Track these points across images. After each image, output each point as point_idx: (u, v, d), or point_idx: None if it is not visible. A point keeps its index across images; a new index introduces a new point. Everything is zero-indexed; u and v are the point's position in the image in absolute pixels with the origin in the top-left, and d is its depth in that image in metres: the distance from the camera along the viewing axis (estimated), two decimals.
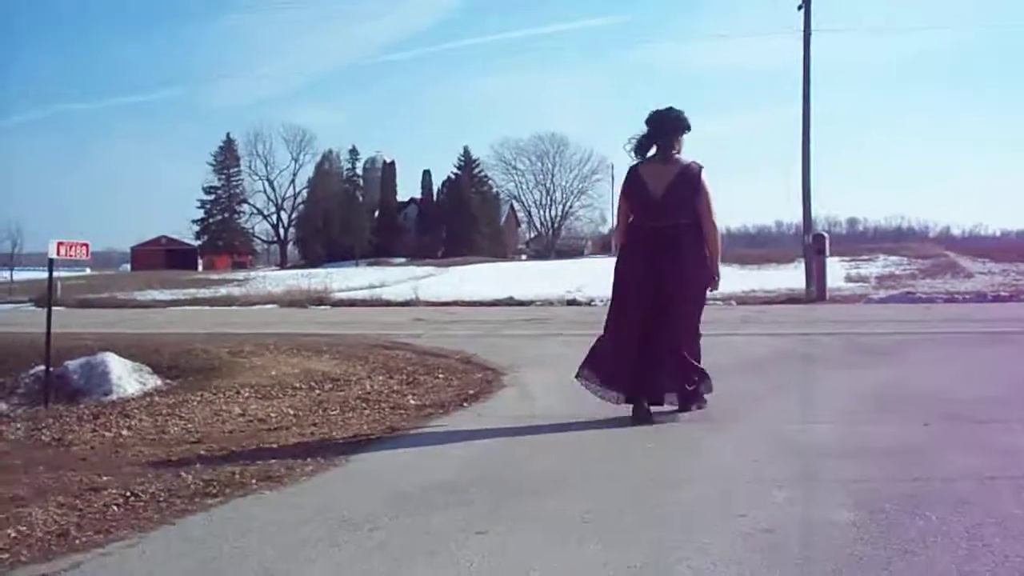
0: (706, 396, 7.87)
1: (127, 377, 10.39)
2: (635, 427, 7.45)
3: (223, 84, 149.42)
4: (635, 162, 7.84)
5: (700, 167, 7.69)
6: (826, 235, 24.74)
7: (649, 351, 7.58)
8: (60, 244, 10.00)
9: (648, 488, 5.56)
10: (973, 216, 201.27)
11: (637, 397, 7.66)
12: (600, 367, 7.84)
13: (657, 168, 7.66)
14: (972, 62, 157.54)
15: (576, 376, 7.97)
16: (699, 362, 7.83)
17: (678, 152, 7.74)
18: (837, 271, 32.05)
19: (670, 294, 7.56)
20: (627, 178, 7.90)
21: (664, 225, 7.56)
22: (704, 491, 5.45)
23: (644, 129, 7.79)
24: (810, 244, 23.76)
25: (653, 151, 7.77)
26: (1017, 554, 4.17)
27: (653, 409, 7.72)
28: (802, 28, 26.40)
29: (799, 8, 26.37)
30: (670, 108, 7.82)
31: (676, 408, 7.78)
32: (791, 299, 22.71)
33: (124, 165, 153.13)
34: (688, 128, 7.85)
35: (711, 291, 7.98)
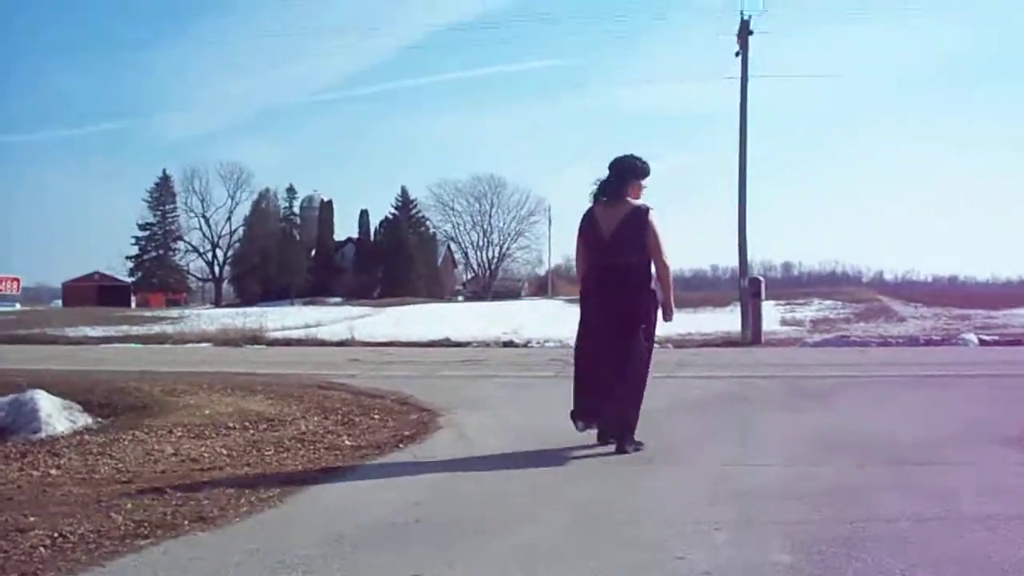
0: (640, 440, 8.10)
1: (57, 415, 10.19)
2: (571, 468, 7.47)
3: (160, 119, 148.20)
4: (591, 204, 8.21)
5: (648, 208, 8.02)
6: (762, 279, 24.91)
7: (600, 383, 7.96)
8: None
9: (585, 529, 5.53)
10: (905, 261, 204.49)
11: (599, 424, 8.14)
12: (578, 406, 8.24)
13: (609, 209, 8.05)
14: (905, 104, 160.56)
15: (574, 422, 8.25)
16: (640, 403, 8.09)
17: (635, 197, 8.10)
18: (772, 315, 32.38)
19: (619, 329, 7.91)
20: (583, 219, 8.26)
21: (616, 263, 7.96)
22: (642, 532, 5.43)
23: (606, 174, 8.18)
24: (746, 288, 23.93)
25: (606, 196, 8.15)
26: None
27: (592, 450, 7.90)
28: (739, 75, 26.72)
29: (736, 55, 26.70)
30: (629, 155, 8.25)
31: (613, 450, 7.96)
32: (727, 342, 22.83)
33: (57, 199, 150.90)
34: (642, 174, 8.23)
35: (666, 322, 8.24)
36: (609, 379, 7.94)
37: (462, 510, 6.15)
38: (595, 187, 8.25)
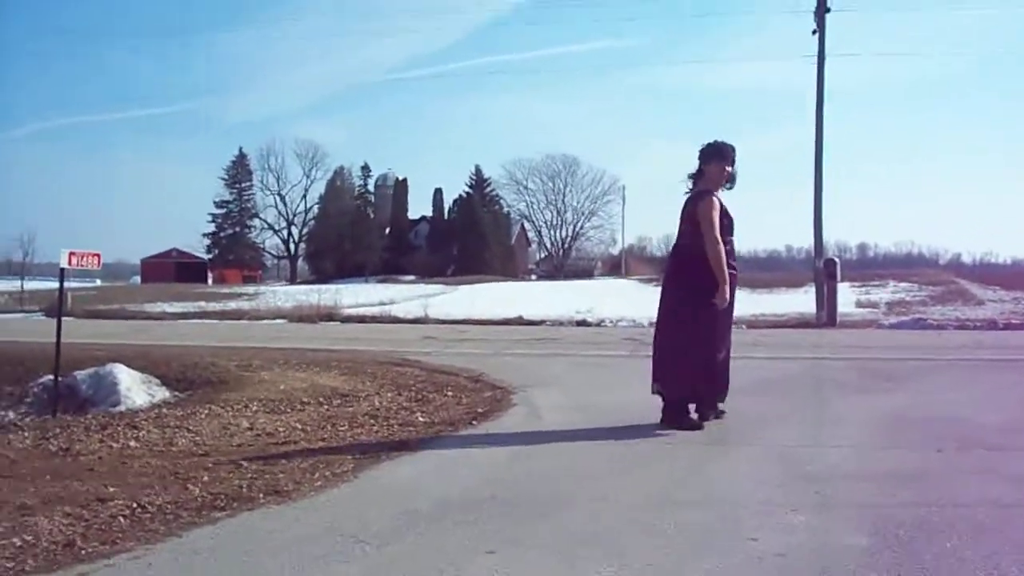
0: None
1: (136, 388, 10.37)
2: (643, 447, 7.47)
3: (236, 99, 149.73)
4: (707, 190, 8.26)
5: (700, 192, 8.22)
6: (837, 260, 24.61)
7: (663, 356, 8.40)
8: (72, 254, 10.00)
9: (657, 510, 5.50)
10: (984, 244, 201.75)
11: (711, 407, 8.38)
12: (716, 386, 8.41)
13: (688, 197, 8.33)
14: (988, 88, 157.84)
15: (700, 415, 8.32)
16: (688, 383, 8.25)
17: (716, 178, 8.27)
18: (848, 296, 31.99)
19: (675, 307, 8.32)
20: (718, 201, 8.23)
21: (679, 244, 8.40)
22: (714, 513, 5.40)
23: (718, 154, 8.32)
24: (821, 269, 23.63)
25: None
26: None
27: (665, 430, 7.99)
28: (816, 52, 26.38)
29: (813, 33, 26.33)
30: (713, 141, 8.40)
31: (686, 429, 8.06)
32: (801, 323, 22.60)
33: (136, 178, 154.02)
34: (718, 155, 8.29)
35: (718, 304, 8.08)
36: (670, 354, 8.30)
37: (534, 487, 6.15)
38: (711, 175, 8.29)
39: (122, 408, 9.76)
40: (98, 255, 10.55)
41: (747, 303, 23.78)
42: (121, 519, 5.33)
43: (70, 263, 10.02)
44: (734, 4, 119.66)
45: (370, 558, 4.63)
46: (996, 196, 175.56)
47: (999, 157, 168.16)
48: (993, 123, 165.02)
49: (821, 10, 25.93)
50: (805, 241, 27.01)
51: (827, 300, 23.12)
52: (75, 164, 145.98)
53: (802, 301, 29.02)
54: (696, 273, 8.06)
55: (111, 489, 5.98)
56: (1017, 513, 5.30)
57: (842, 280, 26.57)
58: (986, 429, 8.00)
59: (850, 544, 4.73)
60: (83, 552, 4.75)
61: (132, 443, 7.77)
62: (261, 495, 5.91)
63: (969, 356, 14.43)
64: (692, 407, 8.27)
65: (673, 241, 8.65)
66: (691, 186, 8.40)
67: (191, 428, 8.34)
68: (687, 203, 8.29)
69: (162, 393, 10.59)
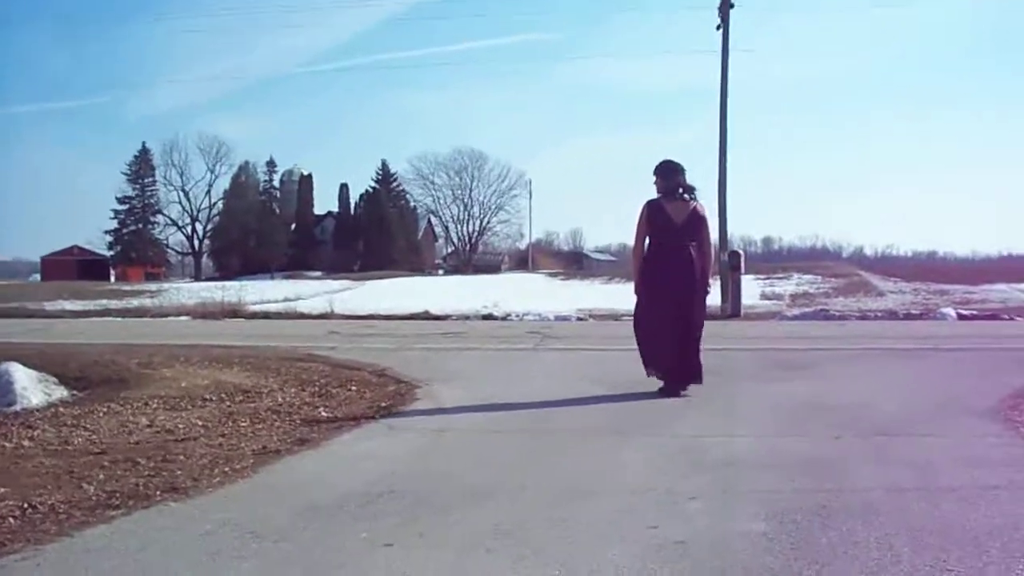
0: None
1: (32, 388, 10.13)
2: (545, 441, 7.51)
3: (139, 93, 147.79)
4: (656, 198, 9.83)
5: (705, 209, 10.00)
6: (741, 252, 24.94)
7: (675, 344, 9.60)
8: None
9: (560, 501, 5.51)
10: (885, 237, 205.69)
11: (671, 382, 9.63)
12: (655, 360, 9.80)
13: (676, 204, 9.72)
14: (889, 83, 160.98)
15: (650, 373, 9.82)
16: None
17: (687, 193, 9.83)
18: (752, 289, 32.44)
19: (689, 298, 9.73)
20: (653, 206, 9.78)
21: (683, 247, 9.67)
22: (616, 503, 5.42)
23: (661, 171, 9.88)
24: (725, 261, 23.85)
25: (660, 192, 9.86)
26: (926, 564, 4.19)
27: (567, 424, 7.82)
28: (720, 48, 26.68)
29: (717, 28, 26.65)
30: (674, 160, 9.94)
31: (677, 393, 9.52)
32: (707, 316, 22.86)
33: (36, 173, 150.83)
34: (655, 170, 9.92)
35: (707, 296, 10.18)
36: (683, 338, 9.63)
37: (437, 481, 6.13)
38: (657, 183, 9.87)
39: (17, 408, 9.52)
40: None
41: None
42: (11, 519, 5.20)
43: None
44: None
45: (266, 553, 4.57)
46: (898, 190, 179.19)
47: (901, 153, 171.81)
48: (895, 120, 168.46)
49: (725, 5, 26.29)
50: (712, 235, 27.22)
51: (731, 292, 23.38)
52: None
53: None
54: (702, 269, 9.83)
55: (1, 490, 5.83)
56: (912, 497, 5.39)
57: (747, 272, 26.95)
58: (885, 416, 8.15)
59: (748, 530, 4.78)
60: None
61: (26, 443, 7.59)
62: (158, 492, 5.81)
63: (870, 346, 14.68)
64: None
65: None
66: (662, 194, 9.86)
67: (88, 427, 8.18)
68: (700, 212, 9.91)
69: (60, 392, 10.36)
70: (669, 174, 9.85)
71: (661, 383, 9.68)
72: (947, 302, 26.45)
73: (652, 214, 9.76)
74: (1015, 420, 7.79)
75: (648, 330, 9.89)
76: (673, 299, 9.65)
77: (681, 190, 9.80)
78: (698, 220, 9.80)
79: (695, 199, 9.90)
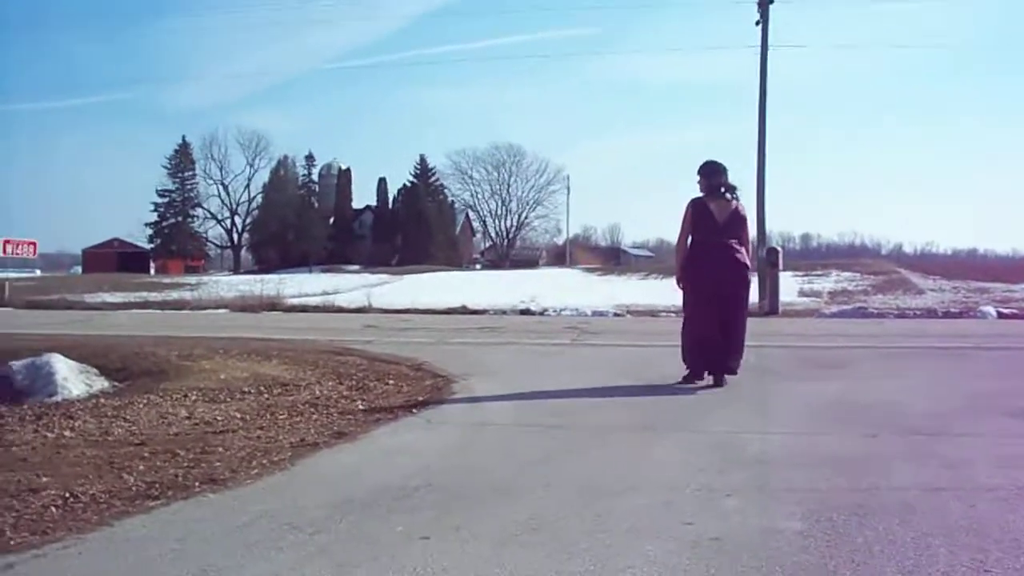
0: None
1: (73, 379, 10.23)
2: (581, 436, 7.50)
3: (180, 87, 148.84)
4: (700, 197, 10.22)
5: (745, 209, 10.43)
6: (779, 249, 24.77)
7: (718, 340, 9.95)
8: (7, 242, 9.94)
9: (595, 496, 5.51)
10: (925, 234, 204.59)
11: (716, 371, 10.03)
12: (697, 361, 10.17)
13: (719, 203, 10.13)
14: (929, 83, 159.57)
15: (687, 379, 10.14)
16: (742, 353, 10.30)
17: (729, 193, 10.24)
18: (790, 285, 32.25)
19: (735, 291, 10.17)
20: (697, 204, 10.19)
21: (726, 245, 10.06)
22: (651, 499, 5.42)
23: (705, 171, 10.26)
24: (764, 258, 23.75)
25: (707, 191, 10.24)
26: (963, 564, 4.18)
27: (603, 419, 7.91)
28: (759, 43, 26.55)
29: (756, 23, 26.50)
30: (721, 163, 10.33)
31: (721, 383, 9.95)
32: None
33: (77, 166, 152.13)
34: (698, 170, 10.31)
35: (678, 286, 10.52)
36: (731, 335, 10.04)
37: (473, 475, 6.15)
38: (700, 182, 10.25)
39: (58, 398, 9.62)
40: (34, 243, 10.51)
41: None
42: (53, 509, 5.26)
43: (4, 251, 9.90)
44: None
45: (303, 545, 4.60)
46: (938, 188, 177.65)
47: (942, 149, 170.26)
48: (937, 116, 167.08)
49: (764, 1, 26.09)
50: (750, 231, 27.05)
51: (769, 289, 23.28)
52: (15, 153, 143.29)
53: None
54: (745, 264, 10.24)
55: (44, 479, 5.90)
56: (948, 496, 5.36)
57: (785, 269, 26.80)
58: (921, 415, 8.11)
59: (784, 528, 4.77)
60: (12, 542, 4.67)
61: (67, 433, 7.67)
62: (197, 483, 5.86)
63: (908, 344, 14.60)
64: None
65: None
66: (706, 193, 10.27)
67: (128, 418, 8.25)
68: (741, 211, 10.36)
69: (100, 383, 10.45)
70: (712, 174, 10.20)
71: (703, 378, 10.10)
72: (987, 300, 26.20)
73: (696, 212, 10.14)
74: None
75: (694, 329, 10.16)
76: (717, 296, 10.02)
77: (723, 189, 10.17)
78: (739, 219, 10.19)
79: (736, 199, 10.30)
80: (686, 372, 10.15)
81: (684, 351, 10.26)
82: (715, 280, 10.03)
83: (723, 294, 10.03)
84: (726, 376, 9.97)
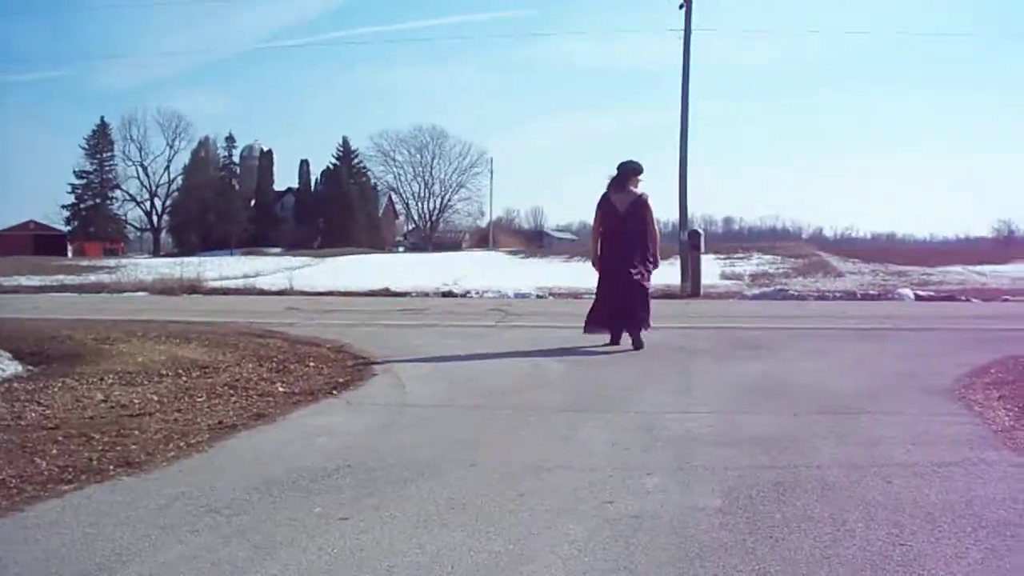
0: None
1: None
2: (502, 416, 7.53)
3: (100, 66, 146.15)
4: (606, 191, 12.12)
5: (647, 196, 12.04)
6: (701, 232, 24.86)
7: (620, 308, 11.75)
8: None
9: (516, 475, 5.51)
10: (845, 219, 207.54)
11: (613, 335, 11.93)
12: (595, 318, 12.01)
13: (621, 196, 11.97)
14: (847, 65, 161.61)
15: (584, 330, 12.03)
16: (650, 318, 11.95)
17: (635, 186, 12.01)
18: (712, 268, 32.51)
19: (630, 274, 11.71)
20: (602, 200, 12.13)
21: (627, 231, 11.84)
22: (572, 479, 5.43)
23: (615, 172, 12.13)
24: (686, 241, 23.87)
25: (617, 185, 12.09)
26: (879, 538, 4.24)
27: (525, 396, 7.85)
28: (683, 27, 26.66)
29: (680, 7, 26.60)
30: (631, 160, 12.15)
31: (632, 348, 11.57)
32: (666, 295, 22.65)
33: None
34: (640, 171, 12.08)
35: (654, 268, 12.15)
36: (630, 302, 11.68)
37: (394, 455, 6.11)
38: (609, 180, 12.22)
39: None
40: None
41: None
42: None
43: None
44: None
45: (220, 527, 4.54)
46: (858, 173, 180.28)
47: (862, 135, 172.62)
48: (857, 101, 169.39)
49: None
50: (672, 215, 27.23)
51: (691, 271, 23.40)
52: None
53: (668, 273, 29.29)
54: (646, 249, 11.92)
55: None
56: (866, 473, 5.43)
57: (707, 252, 27.04)
58: (842, 395, 8.21)
59: (704, 506, 4.80)
60: None
61: None
62: (111, 467, 5.77)
63: (828, 326, 14.75)
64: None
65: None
66: (613, 188, 12.11)
67: (42, 402, 8.09)
68: (641, 200, 11.97)
69: (14, 367, 10.26)
70: (619, 173, 12.16)
71: (607, 340, 11.95)
72: (905, 283, 26.59)
73: (602, 206, 12.17)
74: (970, 399, 7.85)
75: (600, 295, 12.23)
76: (615, 269, 11.89)
77: (621, 183, 12.08)
78: (640, 206, 11.96)
79: (638, 192, 12.07)
80: (585, 330, 12.08)
81: (589, 313, 12.15)
82: (616, 259, 11.86)
83: (623, 269, 11.77)
84: (640, 330, 11.71)
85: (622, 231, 11.89)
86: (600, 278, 12.25)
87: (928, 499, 4.89)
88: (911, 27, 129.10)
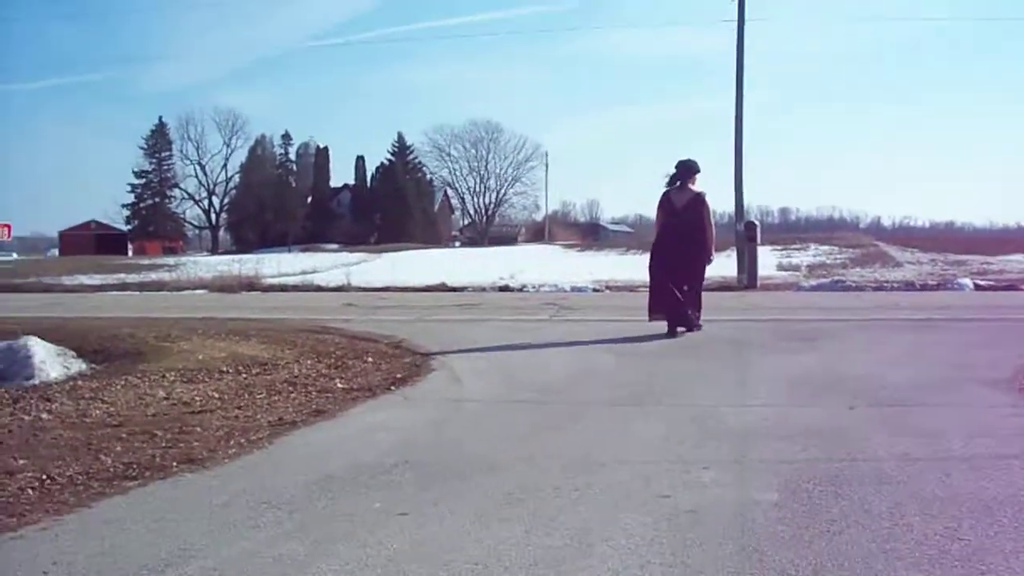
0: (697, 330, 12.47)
1: (51, 361, 10.19)
2: (560, 411, 7.55)
3: (156, 67, 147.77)
4: (666, 188, 12.73)
5: (704, 194, 12.69)
6: (757, 223, 24.64)
7: (674, 300, 12.24)
8: None
9: (574, 470, 5.54)
10: (903, 207, 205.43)
11: (670, 323, 12.23)
12: (655, 306, 12.58)
13: (680, 193, 12.61)
14: (908, 57, 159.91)
15: (649, 318, 12.56)
16: (701, 310, 12.69)
17: (692, 184, 12.66)
18: (769, 259, 32.30)
19: (688, 266, 12.52)
20: (663, 198, 12.72)
21: (682, 225, 12.45)
22: (630, 473, 5.45)
23: (673, 170, 12.73)
24: (742, 232, 23.70)
25: (678, 183, 12.71)
26: (937, 532, 4.22)
27: (579, 393, 7.87)
28: (736, 17, 26.46)
29: None
30: (689, 159, 12.84)
31: (685, 330, 12.22)
32: (723, 286, 22.54)
33: (53, 148, 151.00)
34: (698, 170, 12.76)
35: (708, 264, 12.80)
36: (679, 293, 12.26)
37: (450, 451, 6.16)
38: (667, 178, 12.75)
39: (36, 381, 9.58)
40: (8, 226, 10.45)
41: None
42: (30, 491, 5.26)
43: None
44: None
45: (280, 523, 4.61)
46: (916, 162, 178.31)
47: (920, 123, 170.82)
48: (914, 91, 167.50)
49: None
50: (728, 206, 27.04)
51: (748, 263, 23.24)
52: None
53: (724, 264, 29.14)
54: (702, 243, 12.55)
55: (20, 462, 5.89)
56: (923, 466, 5.40)
57: (763, 243, 26.77)
58: (898, 387, 8.16)
59: (760, 499, 4.80)
60: None
61: (44, 415, 7.64)
62: (174, 464, 5.86)
63: (885, 316, 14.65)
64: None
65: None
66: (672, 185, 12.72)
67: (106, 399, 8.22)
68: (700, 198, 12.63)
69: (78, 366, 10.42)
70: (677, 171, 12.75)
71: (665, 328, 12.23)
72: (964, 272, 26.25)
73: (661, 202, 12.77)
74: None
75: (653, 284, 12.86)
76: (670, 262, 12.54)
77: (681, 181, 12.69)
78: (697, 203, 12.59)
79: (696, 190, 12.70)
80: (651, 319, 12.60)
81: (649, 302, 12.86)
82: (670, 251, 12.54)
83: (676, 262, 12.49)
84: (690, 323, 12.36)
85: (678, 226, 12.49)
86: (656, 270, 12.77)
87: (987, 492, 4.85)
88: (974, 15, 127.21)
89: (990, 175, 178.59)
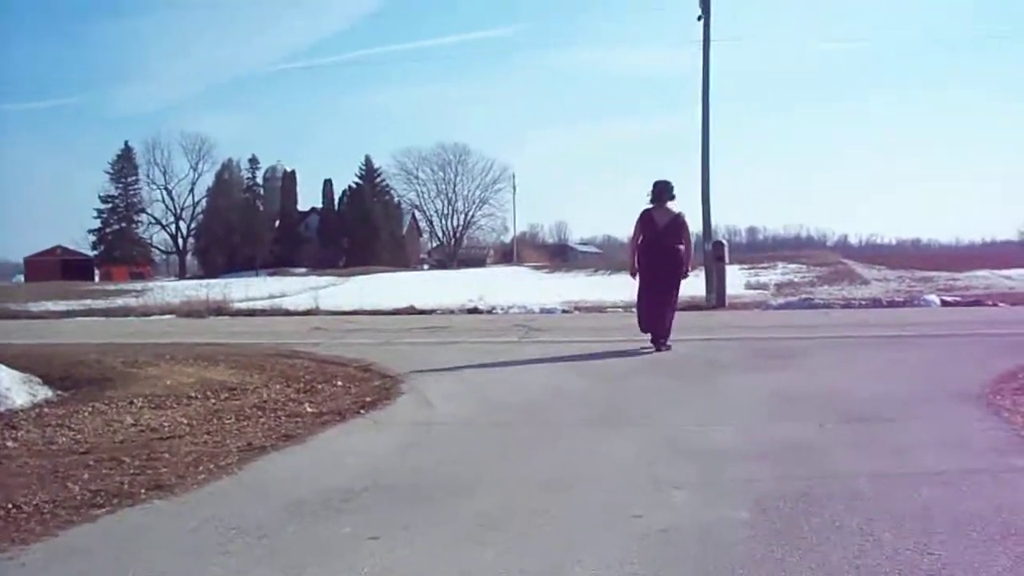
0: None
1: (16, 388, 10.10)
2: (528, 432, 7.58)
3: (121, 91, 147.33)
4: (647, 207, 13.14)
5: (684, 215, 13.26)
6: (726, 242, 24.77)
7: (656, 312, 12.91)
8: None
9: (545, 491, 5.54)
10: (870, 225, 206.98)
11: (653, 336, 12.87)
12: (641, 323, 13.15)
13: (661, 212, 13.02)
14: (871, 74, 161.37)
15: (640, 329, 13.16)
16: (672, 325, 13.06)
17: (672, 204, 13.09)
18: (737, 278, 32.44)
19: (668, 283, 12.96)
20: (643, 215, 13.10)
21: (664, 244, 12.88)
22: (600, 493, 5.46)
23: (650, 189, 13.27)
24: (710, 251, 23.79)
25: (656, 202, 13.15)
26: (907, 548, 4.24)
27: (550, 414, 7.84)
28: (701, 38, 26.58)
29: (699, 18, 26.52)
30: (665, 180, 13.34)
31: (660, 348, 12.66)
32: (691, 306, 22.50)
33: (16, 173, 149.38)
34: (673, 192, 13.21)
35: (684, 278, 13.27)
36: (661, 309, 12.91)
37: (420, 475, 6.14)
38: (648, 196, 13.24)
39: (1, 409, 9.50)
40: None
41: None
42: None
43: None
44: None
45: (251, 549, 4.58)
46: (882, 180, 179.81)
47: (886, 141, 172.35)
48: (880, 108, 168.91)
49: None
50: (696, 225, 27.06)
51: (716, 282, 23.27)
52: None
53: (692, 284, 29.21)
54: (680, 262, 13.05)
55: None
56: (893, 482, 5.43)
57: (731, 262, 26.89)
58: (868, 403, 8.20)
59: (732, 518, 4.81)
60: None
61: (10, 443, 7.57)
62: (142, 491, 5.82)
63: (854, 334, 14.71)
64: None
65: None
66: (652, 203, 13.18)
67: (73, 426, 8.16)
68: (680, 218, 13.16)
69: (44, 392, 10.33)
70: (656, 190, 13.21)
71: (649, 340, 12.86)
72: (931, 289, 26.52)
73: (643, 220, 13.12)
74: (997, 405, 7.84)
75: (641, 302, 13.25)
76: (654, 280, 12.96)
77: (663, 201, 13.08)
78: (678, 224, 13.08)
79: (676, 211, 13.15)
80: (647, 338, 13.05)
81: (637, 316, 13.42)
82: (653, 269, 12.95)
83: (658, 280, 12.95)
84: (667, 337, 12.86)
85: (660, 245, 12.96)
86: (639, 287, 13.31)
87: (956, 507, 4.88)
88: (937, 28, 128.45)
89: (955, 192, 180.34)
